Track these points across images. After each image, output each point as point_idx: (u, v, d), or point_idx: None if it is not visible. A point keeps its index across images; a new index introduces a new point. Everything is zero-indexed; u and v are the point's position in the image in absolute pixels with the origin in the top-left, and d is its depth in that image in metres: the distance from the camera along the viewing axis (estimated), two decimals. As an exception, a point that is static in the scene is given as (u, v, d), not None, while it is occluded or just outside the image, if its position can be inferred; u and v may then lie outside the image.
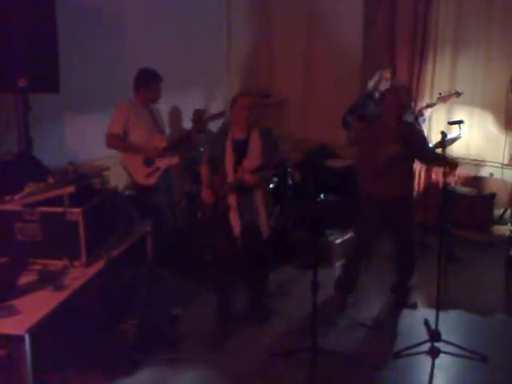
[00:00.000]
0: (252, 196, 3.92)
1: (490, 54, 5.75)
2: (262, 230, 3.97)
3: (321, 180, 5.59)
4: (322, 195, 5.51)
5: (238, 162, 3.85)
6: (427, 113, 5.41)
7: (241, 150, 3.87)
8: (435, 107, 5.42)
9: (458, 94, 5.34)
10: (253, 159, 3.82)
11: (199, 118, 5.51)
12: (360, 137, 4.50)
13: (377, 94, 5.30)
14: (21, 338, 2.72)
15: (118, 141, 4.55)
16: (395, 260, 4.57)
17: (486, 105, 5.81)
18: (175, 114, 5.72)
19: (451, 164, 4.07)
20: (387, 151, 4.00)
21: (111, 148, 4.59)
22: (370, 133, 4.29)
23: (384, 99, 4.27)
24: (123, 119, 4.54)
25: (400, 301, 4.51)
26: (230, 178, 3.86)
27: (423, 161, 4.69)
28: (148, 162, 4.65)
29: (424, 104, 5.65)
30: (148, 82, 4.64)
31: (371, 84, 5.48)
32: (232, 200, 3.89)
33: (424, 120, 5.38)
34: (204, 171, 4.06)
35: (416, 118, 5.28)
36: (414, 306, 4.47)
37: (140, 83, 4.66)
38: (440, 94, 5.38)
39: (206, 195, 3.95)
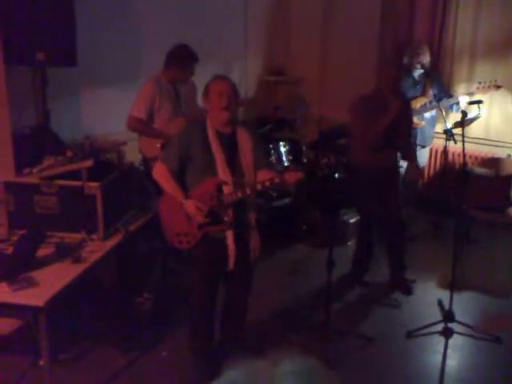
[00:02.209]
0: (247, 215, 3.15)
1: None
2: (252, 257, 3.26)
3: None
4: (336, 174, 5.50)
5: (229, 162, 3.06)
6: (464, 101, 5.30)
7: (228, 146, 3.07)
8: (472, 97, 5.31)
9: (497, 87, 5.23)
10: (248, 160, 3.10)
11: None
12: (357, 111, 4.31)
13: (413, 69, 5.36)
14: (40, 309, 2.77)
15: (141, 125, 4.33)
16: (386, 239, 4.54)
17: (506, 86, 5.71)
18: (191, 88, 5.65)
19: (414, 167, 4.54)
20: (391, 109, 4.05)
21: (131, 131, 4.38)
22: (368, 105, 4.21)
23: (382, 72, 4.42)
24: (148, 103, 4.28)
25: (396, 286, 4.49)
26: (230, 183, 3.00)
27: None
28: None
29: (464, 92, 5.47)
30: (182, 64, 4.33)
31: (405, 60, 5.42)
32: (229, 215, 3.04)
33: (459, 108, 5.26)
34: (168, 175, 3.07)
35: (439, 100, 5.20)
36: (409, 293, 4.44)
37: (172, 61, 4.35)
38: (479, 83, 5.27)
39: (195, 209, 2.99)
